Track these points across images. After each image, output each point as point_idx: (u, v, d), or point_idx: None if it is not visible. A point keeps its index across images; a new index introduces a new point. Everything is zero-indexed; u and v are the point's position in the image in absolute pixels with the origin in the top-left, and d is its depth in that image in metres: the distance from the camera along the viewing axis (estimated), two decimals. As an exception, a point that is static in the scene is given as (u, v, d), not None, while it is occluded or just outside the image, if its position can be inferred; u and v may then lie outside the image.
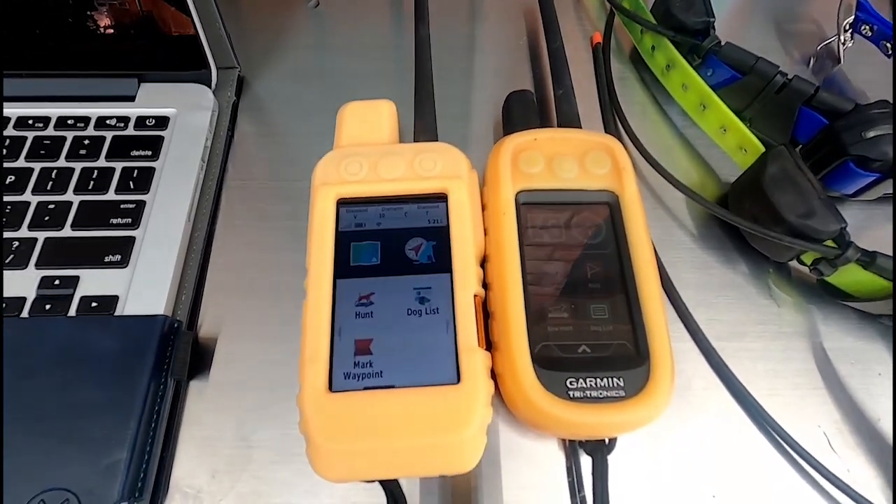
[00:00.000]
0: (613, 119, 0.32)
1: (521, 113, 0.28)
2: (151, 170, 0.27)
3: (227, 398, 0.24)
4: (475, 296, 0.22)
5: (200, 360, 0.25)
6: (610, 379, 0.20)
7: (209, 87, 0.31)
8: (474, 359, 0.20)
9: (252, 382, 0.24)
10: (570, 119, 0.28)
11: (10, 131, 0.28)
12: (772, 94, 0.29)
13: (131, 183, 0.27)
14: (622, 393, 0.20)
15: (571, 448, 0.22)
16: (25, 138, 0.28)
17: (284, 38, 0.36)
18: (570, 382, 0.20)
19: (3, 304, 0.23)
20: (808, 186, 0.24)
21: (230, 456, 0.23)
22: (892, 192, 0.27)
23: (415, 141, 0.28)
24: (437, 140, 0.28)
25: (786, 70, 0.28)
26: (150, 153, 0.28)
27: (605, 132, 0.32)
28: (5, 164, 0.27)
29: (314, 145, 0.32)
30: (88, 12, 0.28)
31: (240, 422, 0.24)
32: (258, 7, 0.38)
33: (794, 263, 0.27)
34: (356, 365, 0.21)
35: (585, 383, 0.20)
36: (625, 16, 0.33)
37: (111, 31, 0.28)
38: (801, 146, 0.29)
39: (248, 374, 0.25)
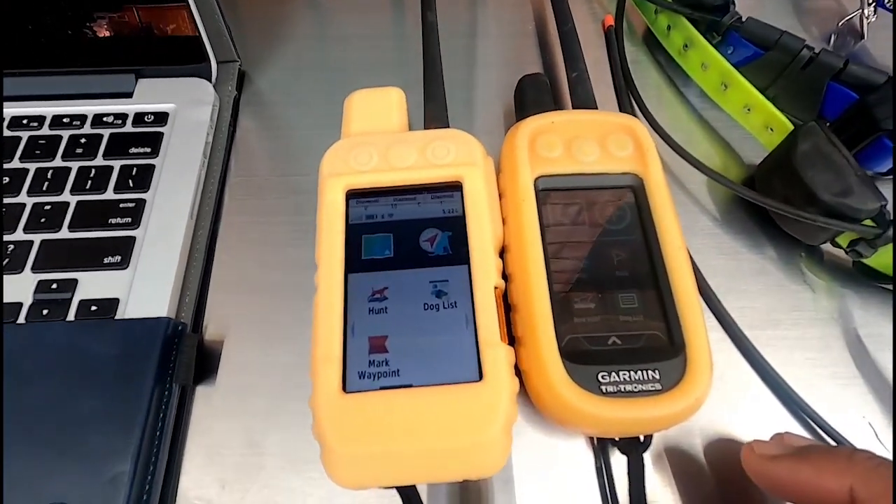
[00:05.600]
0: (630, 103, 0.31)
1: (535, 96, 0.26)
2: (151, 167, 0.26)
3: (236, 403, 0.23)
4: (495, 288, 0.20)
5: (207, 364, 0.24)
6: (644, 371, 0.19)
7: (210, 81, 0.29)
8: (497, 354, 0.19)
9: (261, 386, 0.23)
10: (586, 101, 0.26)
11: (4, 132, 0.27)
12: (797, 70, 0.27)
13: (130, 181, 0.26)
14: (658, 386, 0.18)
15: (601, 446, 0.21)
16: (20, 138, 0.27)
17: (284, 30, 0.35)
18: (602, 376, 0.19)
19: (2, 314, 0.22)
20: (844, 163, 0.23)
21: (240, 464, 0.22)
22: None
23: (425, 129, 0.27)
24: (448, 127, 0.26)
25: (808, 46, 0.27)
26: (149, 150, 0.27)
27: (622, 116, 0.30)
28: (-1, 166, 0.26)
29: (319, 138, 0.30)
30: (86, 20, 0.27)
31: (249, 428, 0.22)
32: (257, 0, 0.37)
33: (826, 246, 0.26)
34: (371, 364, 0.19)
35: (619, 377, 0.19)
36: (638, -4, 0.32)
37: (108, 29, 0.27)
38: (829, 123, 0.27)
39: (257, 378, 0.23)
